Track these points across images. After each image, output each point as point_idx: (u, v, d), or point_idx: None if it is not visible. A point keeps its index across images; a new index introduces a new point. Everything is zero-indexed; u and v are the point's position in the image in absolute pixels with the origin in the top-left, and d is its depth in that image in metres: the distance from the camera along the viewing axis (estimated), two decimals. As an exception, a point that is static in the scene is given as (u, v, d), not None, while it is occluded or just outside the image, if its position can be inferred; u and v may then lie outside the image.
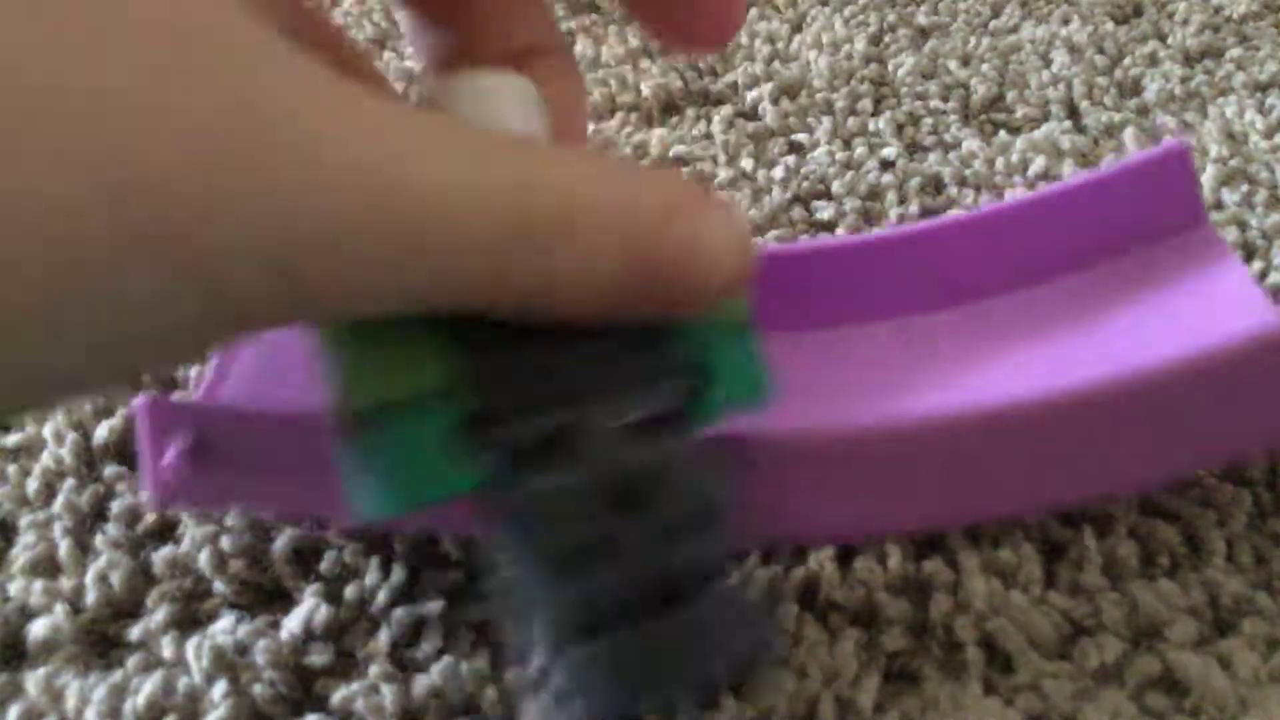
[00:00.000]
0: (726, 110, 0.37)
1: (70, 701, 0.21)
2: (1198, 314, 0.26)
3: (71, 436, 0.26)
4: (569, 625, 0.16)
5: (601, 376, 0.16)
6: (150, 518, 0.24)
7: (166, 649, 0.21)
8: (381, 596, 0.22)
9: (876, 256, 0.28)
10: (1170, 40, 0.41)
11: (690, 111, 0.38)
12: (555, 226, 0.14)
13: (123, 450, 0.26)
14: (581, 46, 0.41)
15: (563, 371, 0.15)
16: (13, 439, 0.26)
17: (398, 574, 0.23)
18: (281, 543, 0.23)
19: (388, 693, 0.20)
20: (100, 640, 0.22)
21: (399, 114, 0.14)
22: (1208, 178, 0.33)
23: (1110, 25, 0.42)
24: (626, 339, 0.16)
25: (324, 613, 0.22)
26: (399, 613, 0.22)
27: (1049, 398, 0.21)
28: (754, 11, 0.44)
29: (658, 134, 0.36)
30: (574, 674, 0.16)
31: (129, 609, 0.23)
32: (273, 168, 0.12)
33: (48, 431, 0.26)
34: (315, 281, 0.13)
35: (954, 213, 0.32)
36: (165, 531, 0.24)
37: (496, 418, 0.15)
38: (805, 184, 0.34)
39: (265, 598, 0.23)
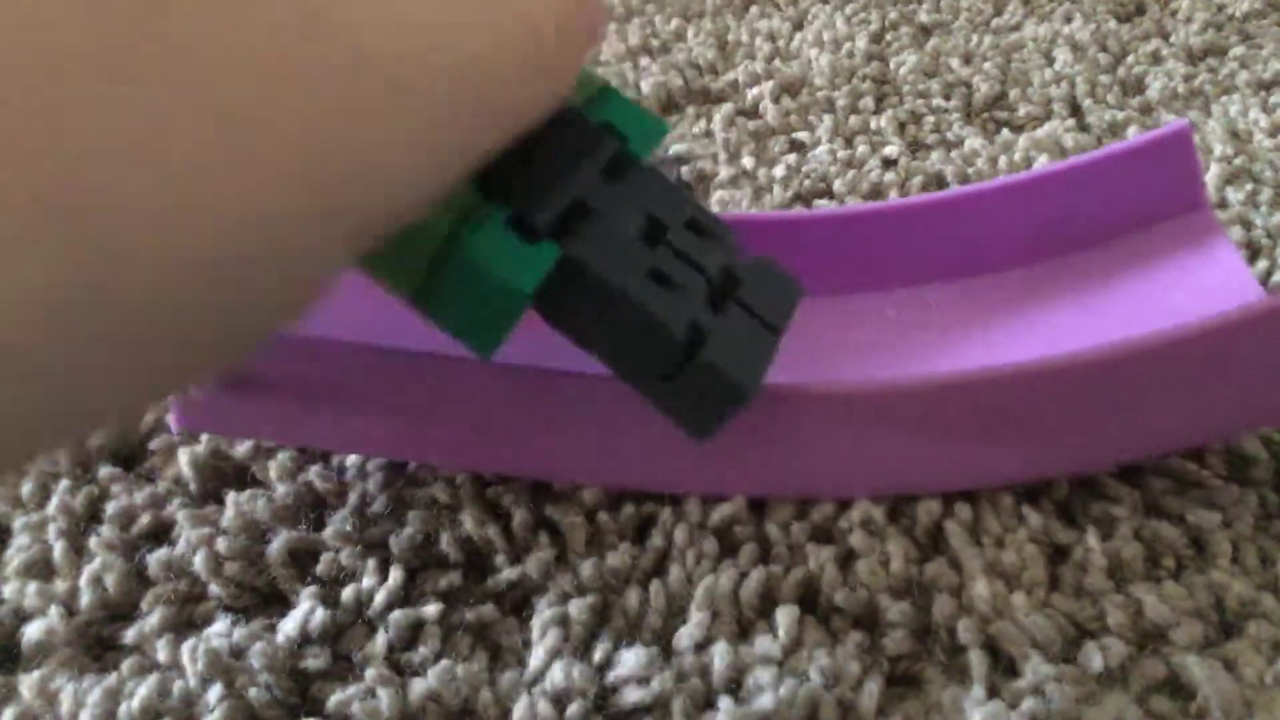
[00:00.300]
0: (727, 108, 0.37)
1: (65, 705, 0.20)
2: (1187, 296, 0.26)
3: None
4: (677, 340, 0.19)
5: (567, 157, 0.19)
6: (145, 519, 0.24)
7: (161, 652, 0.21)
8: (378, 599, 0.22)
9: (880, 227, 0.28)
10: (1173, 38, 0.41)
11: (690, 109, 0.38)
12: (521, 57, 0.17)
13: (117, 452, 0.26)
14: (581, 44, 0.41)
15: (544, 166, 0.19)
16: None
17: (395, 576, 0.22)
18: (277, 545, 0.23)
19: (384, 696, 0.20)
20: (95, 643, 0.22)
21: None
22: (1212, 176, 0.33)
23: (1113, 23, 0.42)
24: (557, 132, 0.19)
25: (320, 616, 0.22)
26: (396, 616, 0.22)
27: (1004, 371, 0.22)
28: (755, 9, 0.44)
29: (658, 132, 0.36)
30: (711, 366, 0.19)
31: (124, 611, 0.22)
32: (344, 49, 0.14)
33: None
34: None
35: (957, 187, 0.32)
36: (160, 533, 0.24)
37: (524, 212, 0.18)
38: (807, 182, 0.34)
39: (261, 600, 0.22)
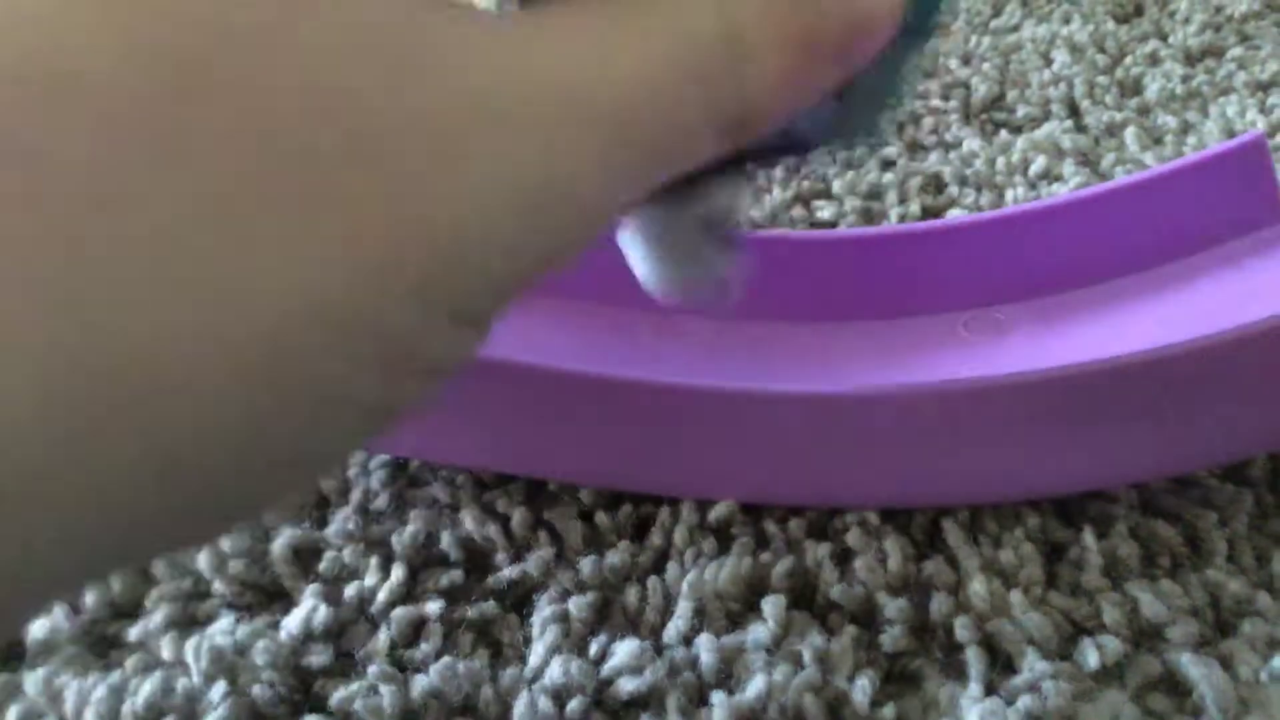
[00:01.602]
0: (727, 109, 0.37)
1: (69, 702, 0.20)
2: (1264, 309, 0.25)
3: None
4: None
5: None
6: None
7: (165, 650, 0.21)
8: (381, 597, 0.22)
9: (938, 247, 0.27)
10: (1171, 39, 0.41)
11: (690, 111, 0.38)
12: (732, 54, 0.14)
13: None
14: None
15: None
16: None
17: (397, 574, 0.22)
18: (281, 543, 0.23)
19: (387, 693, 0.20)
20: (99, 641, 0.22)
21: (560, 24, 0.13)
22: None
23: (1111, 24, 0.42)
24: None
25: (323, 613, 0.22)
26: (398, 613, 0.22)
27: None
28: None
29: (658, 133, 0.36)
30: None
31: (128, 609, 0.22)
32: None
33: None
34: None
35: (1031, 202, 0.31)
36: (164, 532, 0.24)
37: None
38: (805, 183, 0.34)
39: (265, 598, 0.23)
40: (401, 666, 0.21)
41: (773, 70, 0.14)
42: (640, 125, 0.13)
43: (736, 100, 0.14)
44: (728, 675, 0.21)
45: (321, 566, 0.23)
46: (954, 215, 0.33)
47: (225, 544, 0.23)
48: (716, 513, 0.23)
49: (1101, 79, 0.39)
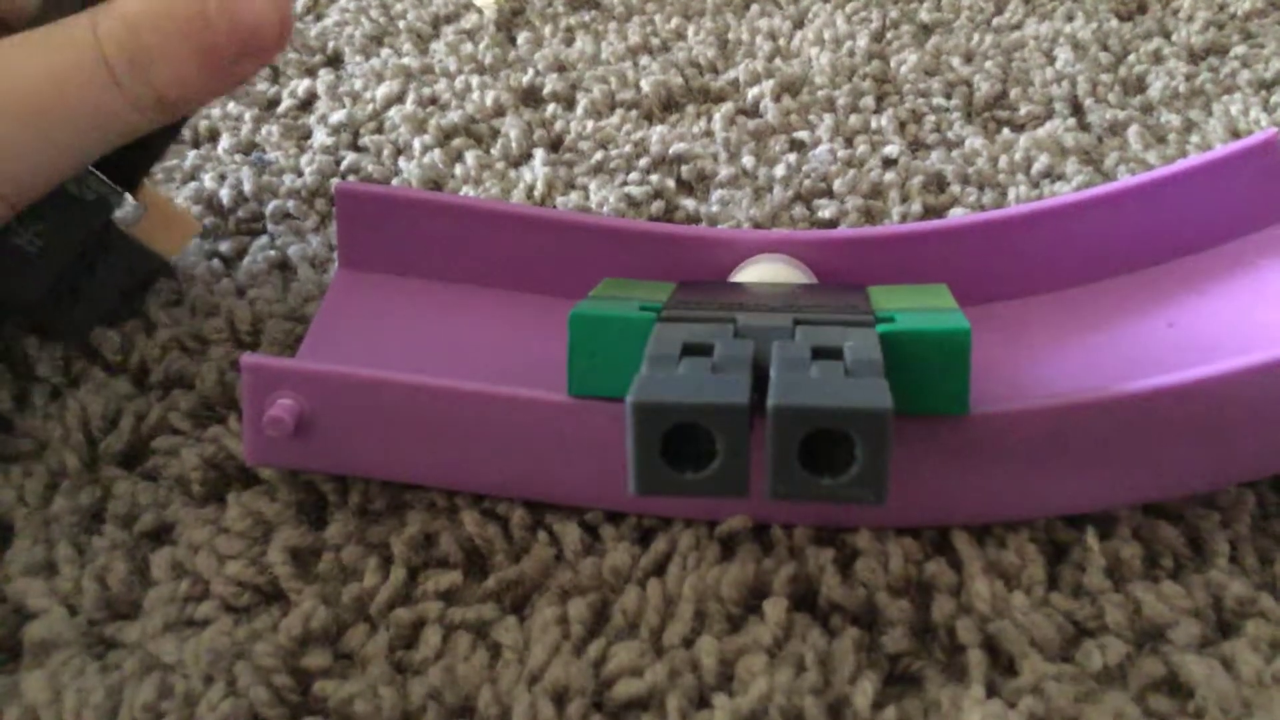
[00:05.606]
0: (727, 107, 0.37)
1: (67, 703, 0.20)
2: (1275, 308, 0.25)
3: (75, 437, 0.25)
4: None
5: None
6: (147, 519, 0.24)
7: (164, 651, 0.21)
8: (380, 598, 0.22)
9: (959, 243, 0.28)
10: (1175, 37, 0.41)
11: (691, 108, 0.38)
12: (135, 56, 0.21)
13: (121, 451, 0.26)
14: (581, 43, 0.41)
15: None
16: (14, 440, 0.26)
17: (396, 575, 0.22)
18: (279, 544, 0.23)
19: (386, 695, 0.20)
20: (97, 642, 0.22)
21: None
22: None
23: (1114, 22, 0.42)
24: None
25: (322, 614, 0.22)
26: (397, 614, 0.22)
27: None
28: (755, 8, 0.44)
29: (658, 131, 0.36)
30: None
31: (126, 610, 0.22)
32: None
33: (50, 433, 0.26)
34: None
35: (1035, 201, 0.31)
36: (162, 533, 0.24)
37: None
38: (807, 182, 0.34)
39: (263, 599, 0.23)
40: (401, 668, 0.21)
41: (171, 70, 0.21)
42: (50, 112, 0.21)
43: (147, 88, 0.21)
44: (728, 677, 0.21)
45: (320, 567, 0.23)
46: (956, 214, 0.32)
47: (223, 545, 0.23)
48: (728, 526, 0.23)
49: (1104, 77, 0.38)
